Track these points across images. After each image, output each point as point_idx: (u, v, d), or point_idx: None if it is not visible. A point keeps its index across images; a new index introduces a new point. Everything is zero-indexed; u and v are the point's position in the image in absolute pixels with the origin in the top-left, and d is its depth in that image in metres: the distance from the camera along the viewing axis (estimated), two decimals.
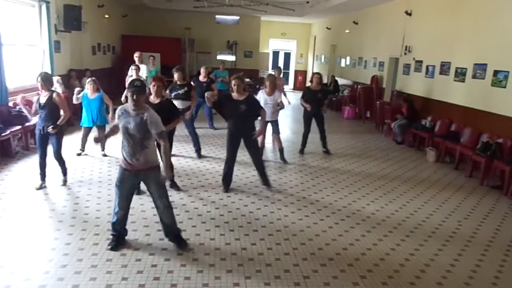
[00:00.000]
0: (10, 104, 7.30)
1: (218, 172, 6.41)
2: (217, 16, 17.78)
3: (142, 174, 3.80)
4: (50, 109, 5.16)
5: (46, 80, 5.18)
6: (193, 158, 7.22)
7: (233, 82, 5.39)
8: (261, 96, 6.79)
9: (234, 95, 5.43)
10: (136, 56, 9.60)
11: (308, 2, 14.76)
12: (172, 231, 4.05)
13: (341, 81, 15.16)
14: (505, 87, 6.92)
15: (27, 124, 7.11)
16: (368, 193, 5.95)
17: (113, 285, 3.37)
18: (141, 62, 9.75)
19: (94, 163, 6.66)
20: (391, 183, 6.47)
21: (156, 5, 15.74)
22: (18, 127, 6.92)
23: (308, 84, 7.96)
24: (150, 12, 16.58)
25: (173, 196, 5.35)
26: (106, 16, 13.32)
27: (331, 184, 6.27)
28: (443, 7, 8.99)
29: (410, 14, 10.19)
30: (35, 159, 6.64)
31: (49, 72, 8.60)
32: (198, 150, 7.34)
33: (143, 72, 9.76)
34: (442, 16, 8.97)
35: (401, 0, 10.70)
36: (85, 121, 6.94)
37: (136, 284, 3.40)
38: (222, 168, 5.85)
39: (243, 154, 6.07)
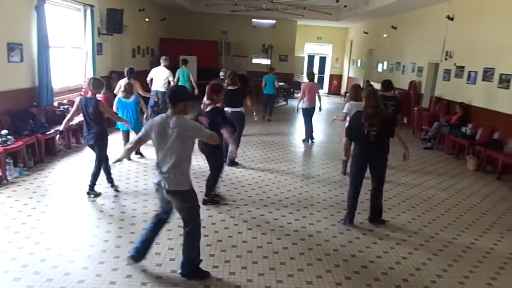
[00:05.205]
0: (55, 104, 7.64)
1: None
2: (253, 20, 17.91)
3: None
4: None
5: (96, 85, 5.22)
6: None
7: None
8: (346, 106, 6.46)
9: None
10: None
11: (345, 6, 14.61)
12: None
13: (377, 86, 14.86)
14: None
15: (69, 123, 7.37)
16: (404, 201, 5.80)
17: (147, 283, 3.46)
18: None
19: (130, 165, 6.86)
20: (427, 192, 6.28)
21: (196, 9, 16.04)
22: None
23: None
24: (187, 15, 16.92)
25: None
26: (146, 19, 13.71)
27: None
28: (488, 11, 8.66)
29: (452, 19, 9.88)
30: (76, 157, 6.94)
31: (92, 73, 8.96)
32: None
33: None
34: (487, 20, 8.64)
35: (442, 5, 10.40)
36: (120, 124, 6.43)
37: (171, 282, 3.49)
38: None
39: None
